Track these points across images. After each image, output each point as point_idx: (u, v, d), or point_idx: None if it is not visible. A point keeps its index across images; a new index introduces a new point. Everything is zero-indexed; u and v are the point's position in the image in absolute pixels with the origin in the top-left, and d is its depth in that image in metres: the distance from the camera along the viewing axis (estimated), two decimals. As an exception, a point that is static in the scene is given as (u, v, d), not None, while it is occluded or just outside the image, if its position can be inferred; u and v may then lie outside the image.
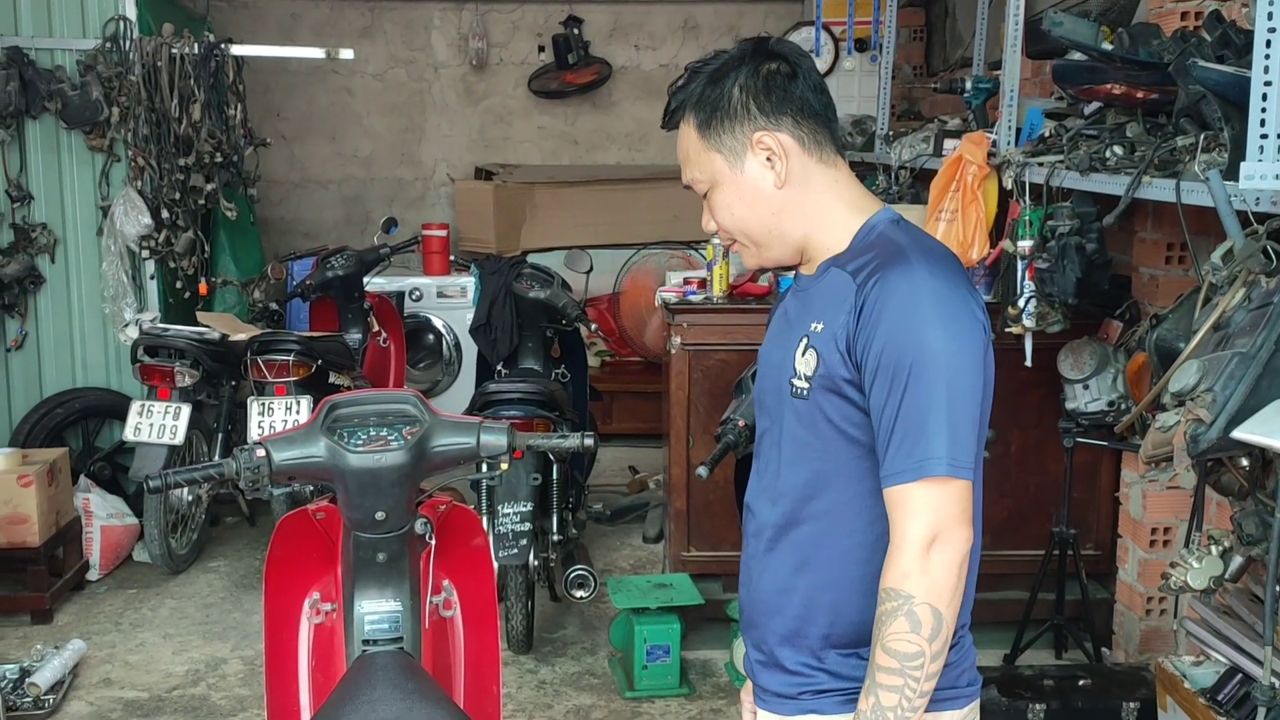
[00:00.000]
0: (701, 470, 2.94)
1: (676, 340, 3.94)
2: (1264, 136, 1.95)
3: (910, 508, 1.45)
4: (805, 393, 1.54)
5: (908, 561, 1.44)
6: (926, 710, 1.49)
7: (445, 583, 2.31)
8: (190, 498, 4.64)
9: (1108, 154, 2.81)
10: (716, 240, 1.62)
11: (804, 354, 1.55)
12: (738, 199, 1.60)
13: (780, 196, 1.58)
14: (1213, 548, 2.16)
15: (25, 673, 3.62)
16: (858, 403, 1.51)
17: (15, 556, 4.14)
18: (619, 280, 6.07)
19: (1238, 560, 2.38)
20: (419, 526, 2.16)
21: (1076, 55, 3.18)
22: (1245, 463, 2.14)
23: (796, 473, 1.58)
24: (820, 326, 1.53)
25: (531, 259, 5.26)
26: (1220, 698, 2.59)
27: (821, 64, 5.86)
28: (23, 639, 4.03)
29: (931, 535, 1.44)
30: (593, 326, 4.70)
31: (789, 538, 1.60)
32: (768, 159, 1.57)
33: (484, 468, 2.79)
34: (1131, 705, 2.98)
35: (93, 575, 4.55)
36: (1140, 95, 2.82)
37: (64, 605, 4.32)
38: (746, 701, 1.77)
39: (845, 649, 1.57)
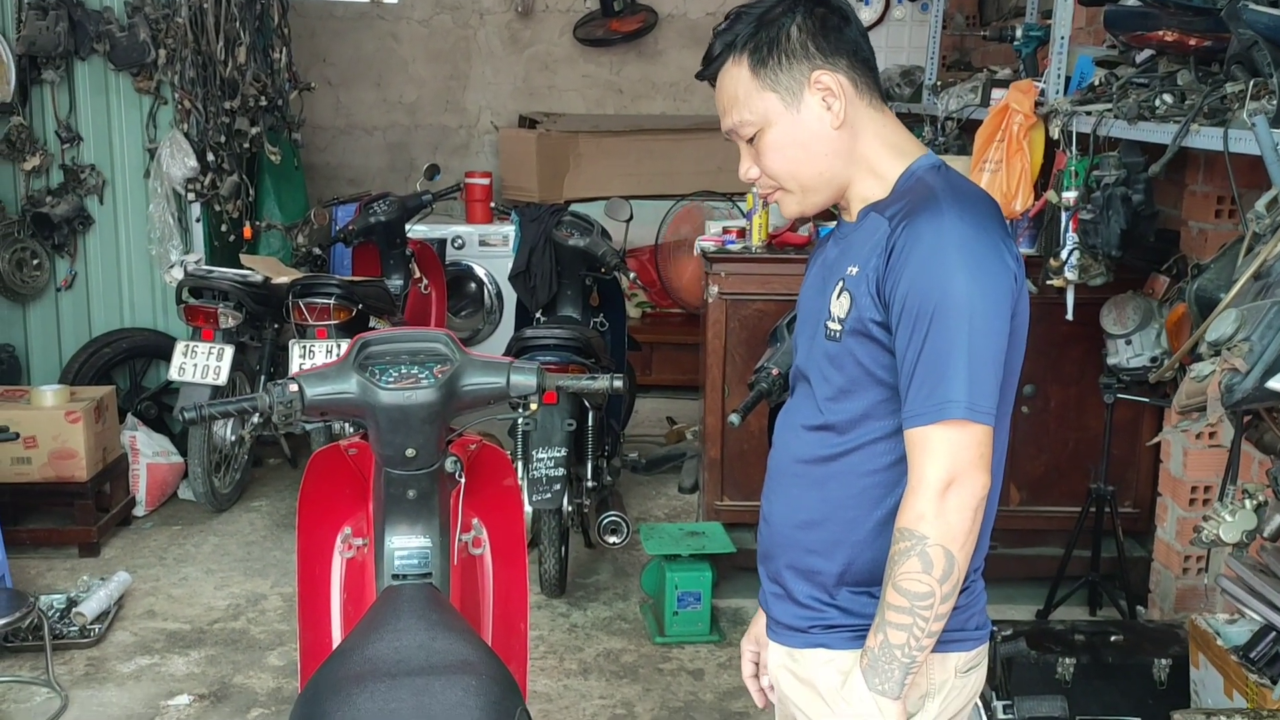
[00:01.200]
0: (733, 418, 2.93)
1: (714, 289, 3.93)
2: (1315, 81, 1.90)
3: (928, 449, 1.46)
4: (837, 335, 1.56)
5: (923, 503, 1.45)
6: (934, 651, 1.52)
7: (475, 521, 2.33)
8: (233, 437, 4.72)
9: (1157, 102, 2.74)
10: (756, 190, 1.65)
11: (838, 297, 1.56)
12: (792, 140, 1.57)
13: (834, 138, 1.57)
14: (1247, 502, 2.13)
15: (72, 603, 3.72)
16: (886, 345, 1.52)
17: (64, 491, 4.24)
18: (661, 231, 6.05)
19: (1278, 519, 2.35)
20: (449, 464, 2.19)
21: (1129, 1, 3.10)
22: (1285, 418, 2.10)
23: (824, 412, 1.60)
24: (855, 270, 1.55)
25: (575, 208, 5.26)
26: (1253, 655, 2.57)
27: (871, 13, 5.76)
28: (70, 571, 4.13)
29: (948, 478, 1.45)
30: (631, 275, 4.68)
31: (812, 474, 1.61)
32: (824, 99, 1.55)
33: (520, 409, 2.81)
34: (1163, 662, 2.96)
35: (139, 511, 4.65)
36: (1193, 42, 2.75)
37: (110, 540, 4.43)
38: (747, 650, 1.81)
39: (857, 587, 1.59)
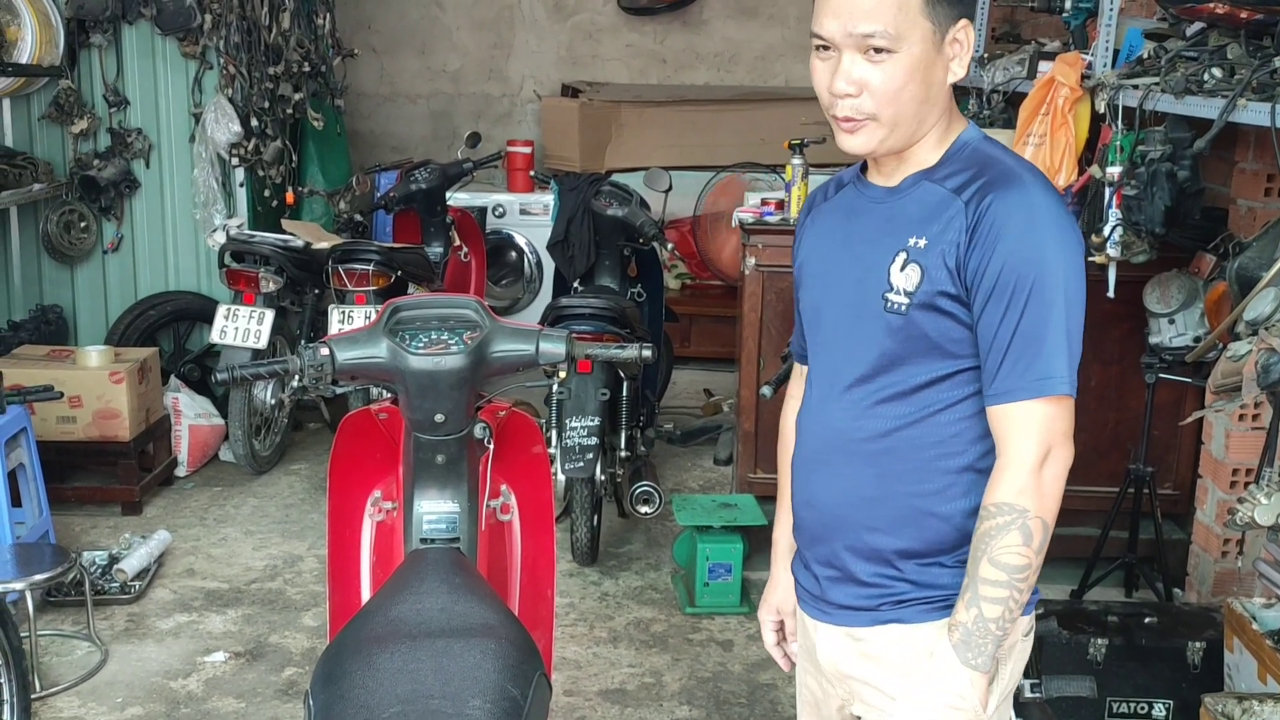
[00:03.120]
0: (765, 390, 2.93)
1: (751, 261, 3.91)
2: (1368, 55, 1.84)
3: (1026, 424, 1.47)
4: (903, 308, 1.53)
5: (1023, 477, 1.47)
6: None
7: (503, 487, 2.34)
8: (273, 401, 4.77)
9: (1205, 76, 2.68)
10: (835, 110, 1.54)
11: (903, 269, 1.53)
12: (921, 76, 1.50)
13: (945, 91, 1.55)
14: (1284, 485, 2.09)
15: (114, 559, 3.79)
16: (960, 318, 1.51)
17: (107, 450, 4.32)
18: (700, 202, 6.02)
19: (1318, 504, 2.30)
20: (478, 430, 2.20)
21: (1181, -28, 3.02)
22: (1327, 400, 2.06)
23: (879, 385, 1.57)
24: (923, 242, 1.52)
25: (615, 178, 5.24)
26: (1288, 641, 2.53)
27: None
28: (113, 528, 4.21)
29: (1045, 451, 1.47)
30: (670, 246, 4.66)
31: (866, 450, 1.59)
32: (958, 50, 1.53)
33: (549, 377, 2.82)
34: (1197, 645, 2.92)
35: (180, 472, 4.73)
36: (1244, 15, 2.68)
37: (152, 499, 4.51)
38: (768, 620, 1.82)
39: (926, 558, 1.58)
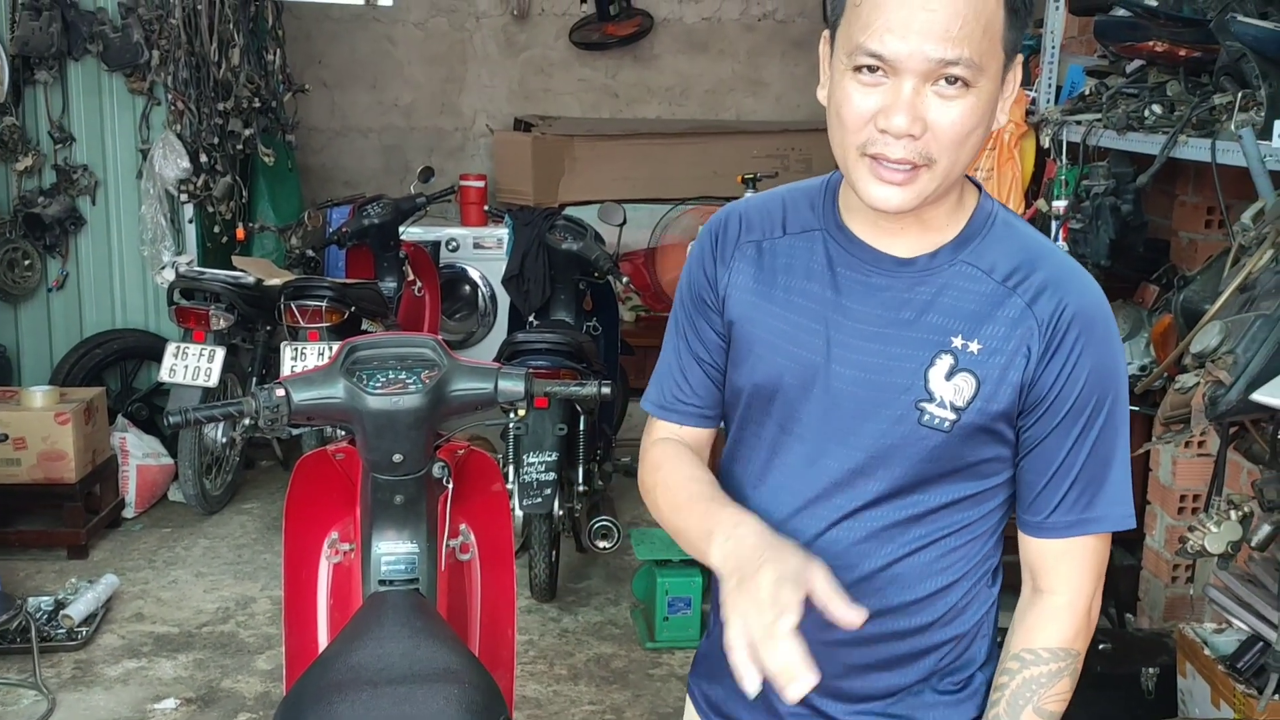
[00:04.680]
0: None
1: (706, 295, 3.92)
2: (1302, 94, 1.90)
3: (1088, 562, 1.31)
4: (948, 425, 1.26)
5: (1080, 619, 1.32)
6: None
7: (462, 527, 2.33)
8: (224, 440, 4.71)
9: (1146, 113, 2.75)
10: (892, 150, 1.20)
11: (949, 377, 1.25)
12: (988, 120, 1.22)
13: (987, 132, 1.24)
14: (1232, 513, 2.14)
15: (60, 605, 3.71)
16: (1004, 436, 1.29)
17: (52, 492, 4.23)
18: (655, 235, 6.06)
19: (1265, 529, 2.35)
20: (436, 470, 2.18)
21: (1120, 11, 3.10)
22: (1271, 429, 2.11)
23: (899, 508, 1.31)
24: (975, 346, 1.25)
25: (569, 212, 5.26)
26: (1239, 666, 2.57)
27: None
28: (58, 573, 4.12)
29: (1096, 587, 1.33)
30: (625, 280, 4.68)
31: (872, 583, 1.32)
32: (1007, 90, 1.25)
33: (510, 414, 2.81)
34: (1151, 671, 2.96)
35: (128, 513, 4.64)
36: (1182, 53, 2.75)
37: (99, 542, 4.42)
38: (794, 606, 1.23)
39: (912, 689, 1.38)
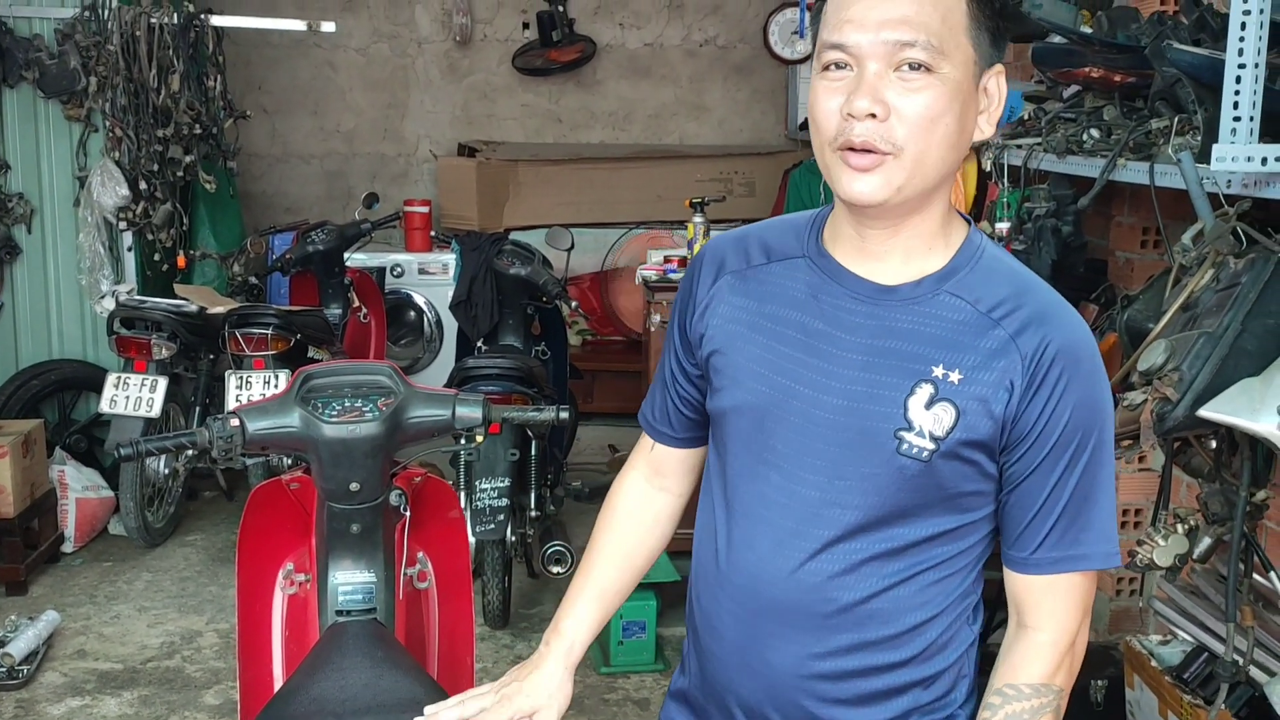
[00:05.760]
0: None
1: (656, 318, 3.95)
2: (1236, 119, 1.97)
3: (1073, 599, 1.31)
4: (926, 455, 1.26)
5: (1063, 655, 1.32)
6: None
7: (420, 555, 2.31)
8: (166, 471, 4.63)
9: (1084, 137, 2.82)
10: (854, 133, 1.22)
11: (929, 406, 1.25)
12: (956, 111, 1.22)
13: (965, 142, 1.26)
14: (1179, 526, 2.19)
15: (0, 643, 3.61)
16: (984, 469, 1.29)
17: (-10, 528, 4.13)
18: (608, 259, 6.09)
19: (1206, 541, 2.41)
20: (393, 498, 2.17)
21: (1056, 38, 3.19)
22: (1214, 444, 2.17)
23: (877, 540, 1.30)
24: (955, 376, 1.25)
25: (515, 236, 5.26)
26: (1186, 676, 2.63)
27: (806, 47, 5.86)
28: (-3, 610, 4.02)
29: (1081, 623, 1.33)
30: (573, 304, 4.69)
31: (849, 616, 1.32)
32: (986, 102, 1.27)
33: (463, 440, 2.80)
34: (1099, 683, 3.01)
35: (68, 548, 4.54)
36: (1118, 78, 2.83)
37: (38, 577, 4.31)
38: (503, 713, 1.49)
39: None
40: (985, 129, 1.28)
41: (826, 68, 1.24)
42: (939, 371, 1.26)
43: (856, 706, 1.35)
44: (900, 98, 1.21)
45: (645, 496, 1.60)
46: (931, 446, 1.26)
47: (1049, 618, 1.31)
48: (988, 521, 1.34)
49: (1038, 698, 1.30)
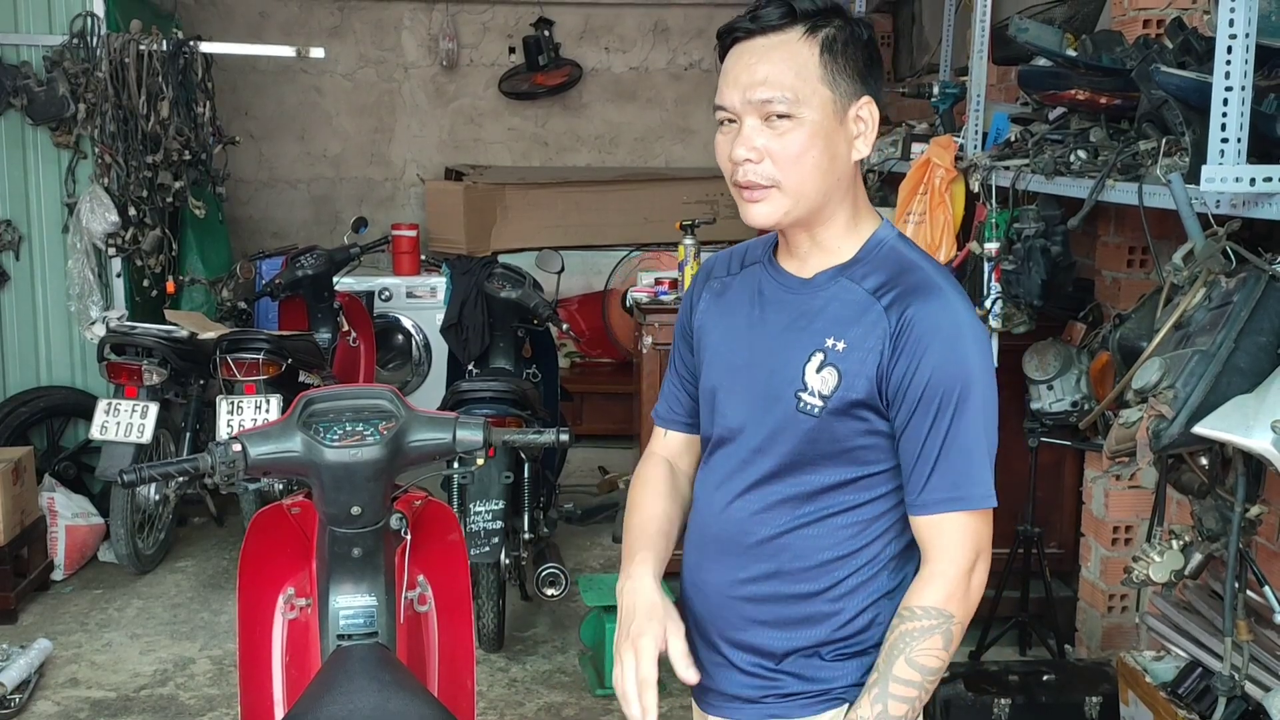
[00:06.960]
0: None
1: (648, 340, 3.97)
2: (1224, 140, 2.00)
3: (957, 536, 1.51)
4: (817, 411, 1.53)
5: (953, 584, 1.50)
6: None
7: (420, 578, 2.32)
8: (157, 497, 4.61)
9: (1072, 158, 2.86)
10: (739, 175, 1.52)
11: (819, 370, 1.53)
12: (822, 146, 1.50)
13: (848, 165, 1.54)
14: (1174, 542, 2.21)
15: (-10, 672, 3.59)
16: (874, 425, 1.53)
17: (-21, 556, 4.10)
18: (611, 279, 6.12)
19: (1198, 557, 2.44)
20: (394, 521, 2.18)
21: (1041, 61, 3.23)
22: (1205, 461, 2.20)
23: (779, 483, 1.57)
24: (841, 345, 1.52)
25: (503, 259, 5.27)
26: (1181, 691, 2.65)
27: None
28: (-13, 639, 3.99)
29: (973, 560, 1.51)
30: (564, 326, 4.70)
31: (765, 547, 1.59)
32: (861, 128, 1.53)
33: (458, 464, 2.81)
34: (1094, 700, 3.04)
35: (58, 575, 4.51)
36: (1103, 101, 2.87)
37: (29, 605, 4.28)
38: (649, 648, 1.58)
39: (804, 652, 1.59)
40: (862, 149, 1.54)
41: (721, 122, 1.56)
42: (830, 342, 1.53)
43: (775, 628, 1.59)
44: (772, 141, 1.50)
45: (667, 466, 1.81)
46: (820, 404, 1.52)
47: (942, 552, 1.51)
48: (891, 478, 1.56)
49: (929, 619, 1.49)
